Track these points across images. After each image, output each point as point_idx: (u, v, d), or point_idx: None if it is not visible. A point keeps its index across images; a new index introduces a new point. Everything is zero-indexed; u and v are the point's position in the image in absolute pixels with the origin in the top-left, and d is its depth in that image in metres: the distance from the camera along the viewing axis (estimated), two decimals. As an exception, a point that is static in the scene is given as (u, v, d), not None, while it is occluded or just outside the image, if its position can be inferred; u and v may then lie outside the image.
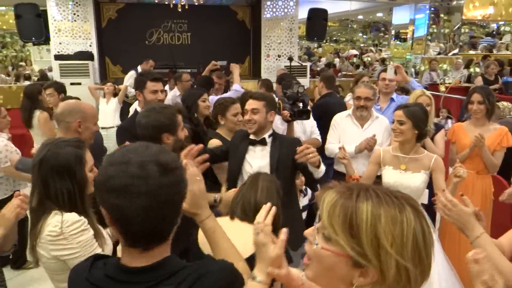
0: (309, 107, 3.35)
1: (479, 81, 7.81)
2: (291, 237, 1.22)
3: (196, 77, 5.80)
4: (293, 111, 3.25)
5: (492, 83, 7.79)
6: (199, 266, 1.05)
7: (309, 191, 3.24)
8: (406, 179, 2.59)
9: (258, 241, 1.20)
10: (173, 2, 7.06)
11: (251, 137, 2.60)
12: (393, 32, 13.44)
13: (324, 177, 2.42)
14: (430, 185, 2.66)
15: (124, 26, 8.18)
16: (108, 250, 1.69)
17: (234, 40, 8.84)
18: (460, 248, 2.87)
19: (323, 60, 15.09)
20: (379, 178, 2.85)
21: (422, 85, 3.97)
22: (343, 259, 0.84)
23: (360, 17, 18.17)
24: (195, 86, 4.50)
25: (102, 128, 4.91)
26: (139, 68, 6.70)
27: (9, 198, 2.20)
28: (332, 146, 3.43)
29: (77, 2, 7.43)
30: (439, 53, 11.40)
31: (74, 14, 7.44)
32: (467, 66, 9.68)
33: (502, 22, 13.43)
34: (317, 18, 8.41)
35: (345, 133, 3.42)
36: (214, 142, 2.89)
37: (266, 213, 1.26)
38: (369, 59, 13.23)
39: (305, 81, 7.64)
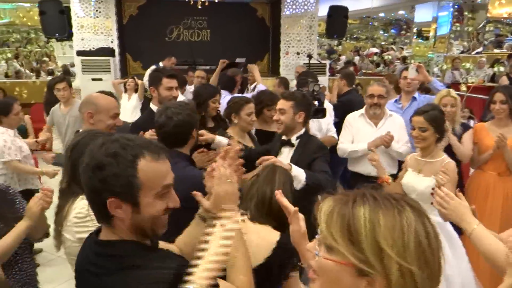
0: (330, 104, 3.33)
1: (504, 81, 7.61)
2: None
3: (221, 69, 5.79)
4: (309, 109, 3.23)
5: (518, 82, 7.59)
6: (140, 260, 1.09)
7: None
8: (416, 182, 2.57)
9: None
10: (193, -1, 7.09)
11: (283, 137, 2.66)
12: (415, 30, 13.22)
13: (333, 179, 2.41)
14: None
15: (144, 23, 8.26)
16: None
17: (254, 37, 8.83)
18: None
19: (343, 58, 14.96)
20: (394, 177, 2.84)
21: (444, 85, 3.90)
22: (347, 268, 0.81)
23: (382, 14, 17.93)
24: (218, 86, 4.46)
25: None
26: (161, 65, 6.75)
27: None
28: (344, 146, 3.40)
29: (99, -1, 7.55)
30: (462, 52, 11.17)
31: (96, 10, 7.55)
32: (491, 65, 9.46)
33: (530, 20, 13.07)
34: (337, 15, 8.33)
35: (359, 132, 3.39)
36: None
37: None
38: (390, 57, 13.05)
39: (324, 79, 7.58)
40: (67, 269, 3.23)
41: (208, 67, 7.10)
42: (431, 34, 11.06)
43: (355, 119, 3.46)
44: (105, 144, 1.08)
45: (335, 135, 3.78)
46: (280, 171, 1.80)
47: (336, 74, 9.74)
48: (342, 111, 4.00)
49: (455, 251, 2.45)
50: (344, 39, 15.40)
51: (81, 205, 1.57)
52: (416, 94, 3.85)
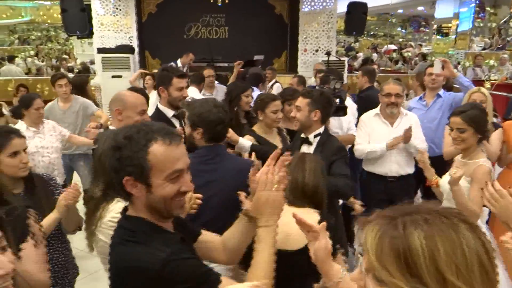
0: (353, 102, 3.29)
1: (528, 78, 7.44)
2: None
3: (238, 72, 5.80)
4: (330, 107, 3.21)
5: (543, 80, 7.41)
6: (146, 241, 1.16)
7: None
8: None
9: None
10: (212, -4, 7.10)
11: (302, 135, 2.68)
12: (434, 26, 13.00)
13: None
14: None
15: (163, 20, 8.31)
16: None
17: (272, 34, 8.80)
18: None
19: (360, 55, 14.81)
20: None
21: (470, 80, 3.81)
22: None
23: (400, 11, 17.68)
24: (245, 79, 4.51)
25: (142, 120, 5.01)
26: (179, 62, 6.78)
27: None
28: (361, 147, 3.32)
29: (118, -3, 7.62)
30: (483, 48, 10.95)
31: (116, 8, 7.62)
32: (515, 62, 9.26)
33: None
34: (356, 11, 8.24)
35: (374, 132, 3.31)
36: (246, 139, 2.93)
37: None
38: (410, 54, 12.87)
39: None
40: (91, 264, 3.29)
41: (226, 64, 7.11)
42: (452, 30, 10.84)
43: (370, 119, 3.39)
44: (125, 129, 1.21)
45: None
46: (309, 159, 1.87)
47: (354, 72, 9.66)
48: (363, 107, 3.96)
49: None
50: (361, 36, 15.27)
51: (117, 209, 1.56)
52: (441, 91, 3.78)
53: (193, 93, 4.68)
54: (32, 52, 13.46)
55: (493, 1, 11.78)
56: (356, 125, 3.72)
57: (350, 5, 8.27)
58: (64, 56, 13.70)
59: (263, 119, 3.01)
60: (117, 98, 2.34)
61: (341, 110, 3.24)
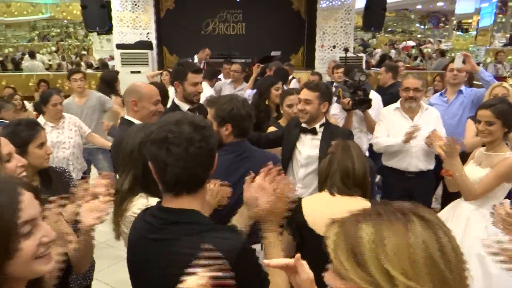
0: (378, 95, 3.28)
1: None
2: None
3: (250, 67, 5.81)
4: (354, 99, 3.21)
5: None
6: (216, 228, 1.17)
7: None
8: (471, 173, 2.47)
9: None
10: (230, -8, 7.11)
11: (303, 125, 2.69)
12: (454, 22, 12.77)
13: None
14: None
15: (181, 16, 8.36)
16: None
17: (289, 30, 8.77)
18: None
19: (378, 51, 14.64)
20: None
21: (492, 75, 3.74)
22: None
23: (419, 6, 17.41)
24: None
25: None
26: (196, 58, 6.81)
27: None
28: (380, 141, 3.28)
29: (137, -7, 7.69)
30: (505, 45, 10.72)
31: (135, 4, 7.71)
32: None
33: None
34: (375, 7, 8.16)
35: (394, 126, 3.27)
36: (271, 130, 3.05)
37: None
38: (429, 50, 12.67)
39: (360, 73, 7.44)
40: (109, 255, 3.36)
41: (243, 60, 7.12)
42: (473, 26, 10.63)
43: (390, 113, 3.35)
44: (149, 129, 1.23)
45: None
46: (353, 145, 1.86)
47: (372, 68, 9.56)
48: (387, 100, 3.89)
49: None
50: (379, 32, 15.08)
51: (139, 205, 1.58)
52: (463, 87, 3.72)
53: (205, 88, 4.71)
54: (54, 48, 13.69)
55: (516, -4, 11.51)
56: None
57: (369, 0, 8.19)
58: (83, 52, 13.90)
59: (283, 113, 3.13)
60: (132, 89, 2.39)
61: (366, 103, 3.24)
